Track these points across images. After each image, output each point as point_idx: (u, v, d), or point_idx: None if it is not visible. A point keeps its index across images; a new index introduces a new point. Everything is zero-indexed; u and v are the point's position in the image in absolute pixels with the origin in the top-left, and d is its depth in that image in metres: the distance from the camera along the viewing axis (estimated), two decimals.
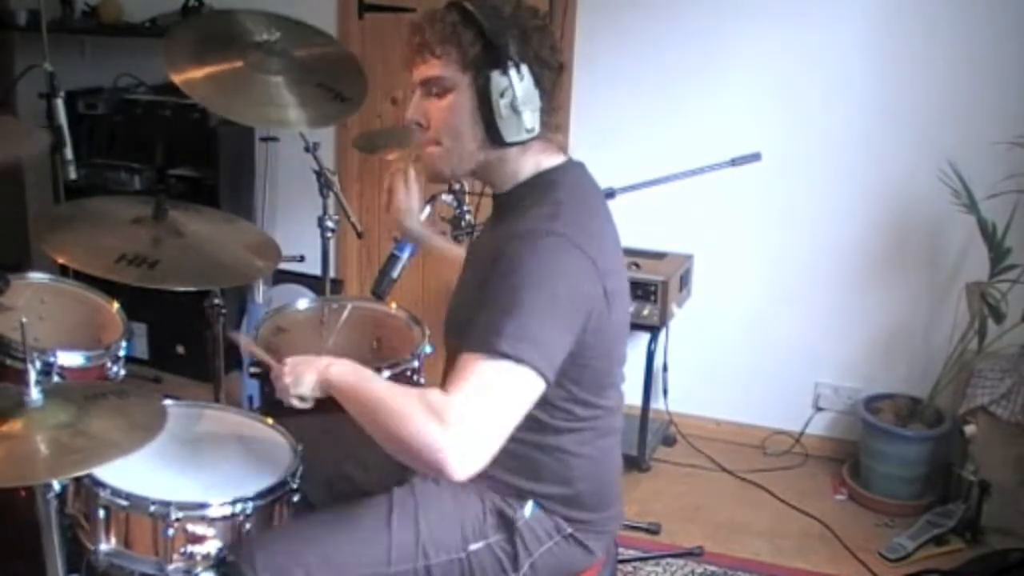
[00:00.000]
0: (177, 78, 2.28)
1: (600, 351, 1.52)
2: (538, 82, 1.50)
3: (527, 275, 1.40)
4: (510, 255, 1.43)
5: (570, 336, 1.44)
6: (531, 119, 1.50)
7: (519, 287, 1.39)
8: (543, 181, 1.56)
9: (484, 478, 1.57)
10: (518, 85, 1.48)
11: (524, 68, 1.48)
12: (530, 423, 1.52)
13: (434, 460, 1.31)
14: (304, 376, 1.50)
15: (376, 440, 1.40)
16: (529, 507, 1.59)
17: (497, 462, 1.56)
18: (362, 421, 1.42)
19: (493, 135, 1.51)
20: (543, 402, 1.46)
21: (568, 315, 1.43)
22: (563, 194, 1.53)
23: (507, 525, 1.58)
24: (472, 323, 1.41)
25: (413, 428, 1.33)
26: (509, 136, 1.50)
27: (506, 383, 1.36)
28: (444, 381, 1.41)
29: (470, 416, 1.33)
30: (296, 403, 1.52)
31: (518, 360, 1.36)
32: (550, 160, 1.58)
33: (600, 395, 1.57)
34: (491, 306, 1.40)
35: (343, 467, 1.78)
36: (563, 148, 1.63)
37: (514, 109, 1.48)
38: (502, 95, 1.48)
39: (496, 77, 1.47)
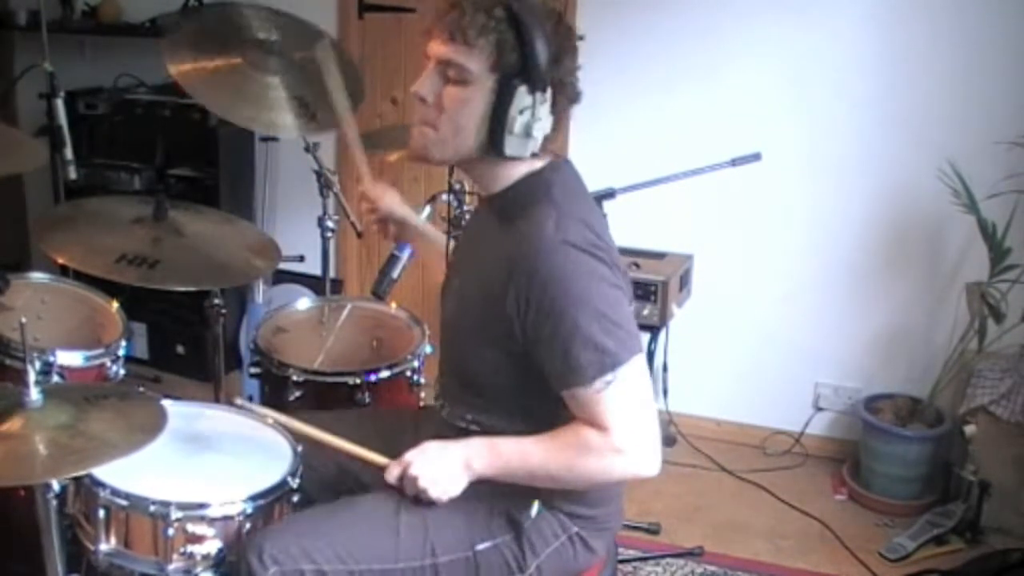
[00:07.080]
0: (174, 70, 2.27)
1: None
2: (554, 106, 1.49)
3: (566, 293, 1.43)
4: (541, 280, 1.44)
5: (629, 306, 1.52)
6: (535, 142, 1.49)
7: (567, 309, 1.42)
8: (536, 181, 1.55)
9: (489, 479, 1.58)
10: (539, 107, 1.46)
11: (549, 91, 1.47)
12: (521, 425, 1.54)
13: (633, 477, 1.50)
14: (446, 480, 1.53)
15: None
16: (535, 507, 1.58)
17: None
18: (541, 485, 1.54)
19: (495, 144, 1.48)
20: (529, 405, 1.53)
21: (614, 299, 1.47)
22: (558, 193, 1.51)
23: (514, 525, 1.58)
24: (554, 366, 1.45)
25: (601, 473, 1.48)
26: (510, 151, 1.49)
27: (627, 388, 1.44)
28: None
29: (631, 433, 1.44)
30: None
31: (616, 365, 1.42)
32: (540, 161, 1.57)
33: None
34: (559, 343, 1.43)
35: (345, 462, 1.77)
36: (552, 150, 1.61)
37: (526, 129, 1.46)
38: (521, 112, 1.45)
39: (522, 92, 1.44)
